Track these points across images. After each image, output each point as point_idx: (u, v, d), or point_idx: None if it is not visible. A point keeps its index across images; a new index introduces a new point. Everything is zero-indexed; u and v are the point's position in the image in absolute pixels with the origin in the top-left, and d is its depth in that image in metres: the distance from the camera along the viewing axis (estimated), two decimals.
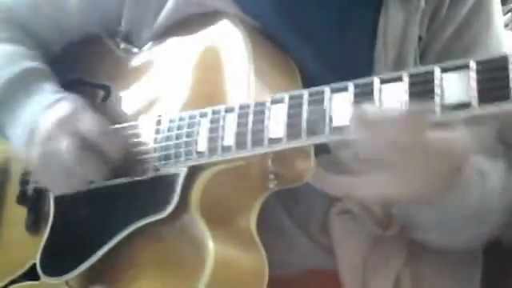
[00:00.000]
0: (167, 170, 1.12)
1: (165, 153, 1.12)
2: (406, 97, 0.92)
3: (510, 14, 1.64)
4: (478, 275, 1.21)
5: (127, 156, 1.17)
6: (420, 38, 1.18)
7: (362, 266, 1.19)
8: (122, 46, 1.31)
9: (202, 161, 1.08)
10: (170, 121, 1.13)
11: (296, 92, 1.02)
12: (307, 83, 1.14)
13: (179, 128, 1.12)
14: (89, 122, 1.15)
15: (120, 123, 1.21)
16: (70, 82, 1.32)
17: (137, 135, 1.18)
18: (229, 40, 1.14)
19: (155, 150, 1.14)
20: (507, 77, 0.85)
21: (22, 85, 1.24)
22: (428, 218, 1.09)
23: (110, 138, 1.14)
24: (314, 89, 1.00)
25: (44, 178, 1.22)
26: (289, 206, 1.22)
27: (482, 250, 1.21)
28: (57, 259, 1.23)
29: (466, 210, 1.06)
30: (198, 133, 1.09)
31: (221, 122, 1.07)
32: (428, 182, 0.98)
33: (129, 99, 1.25)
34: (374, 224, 1.19)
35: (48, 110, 1.19)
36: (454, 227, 1.10)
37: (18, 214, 1.31)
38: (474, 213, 1.07)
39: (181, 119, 1.12)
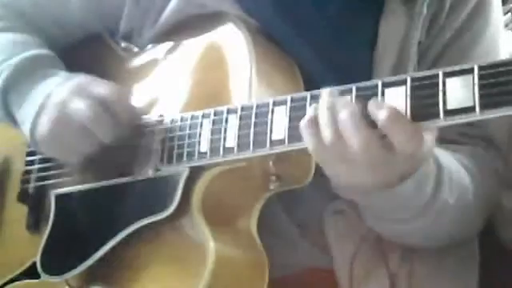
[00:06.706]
0: (169, 170, 1.12)
1: (166, 153, 1.13)
2: (408, 101, 0.92)
3: (509, 14, 1.64)
4: (476, 274, 1.22)
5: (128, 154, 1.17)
6: (419, 42, 1.18)
7: (356, 265, 1.19)
8: (123, 45, 1.31)
9: (204, 161, 1.08)
10: (172, 121, 1.13)
11: (298, 94, 1.02)
12: (308, 84, 1.15)
13: (181, 129, 1.12)
14: (105, 86, 1.16)
15: None
16: None
17: (138, 135, 1.18)
18: (231, 41, 1.14)
19: (156, 150, 1.14)
20: (511, 81, 0.85)
21: (38, 68, 1.25)
22: (381, 206, 1.08)
23: (125, 102, 1.16)
24: (316, 91, 1.00)
25: (54, 146, 1.20)
26: (288, 207, 1.22)
27: (480, 248, 1.21)
28: (57, 258, 1.23)
29: (422, 197, 1.07)
30: (200, 134, 1.09)
31: (223, 123, 1.07)
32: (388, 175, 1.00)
33: None
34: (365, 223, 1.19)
35: (62, 84, 1.19)
36: (405, 218, 1.10)
37: (19, 212, 1.31)
38: (429, 202, 1.08)
39: (182, 120, 1.12)
